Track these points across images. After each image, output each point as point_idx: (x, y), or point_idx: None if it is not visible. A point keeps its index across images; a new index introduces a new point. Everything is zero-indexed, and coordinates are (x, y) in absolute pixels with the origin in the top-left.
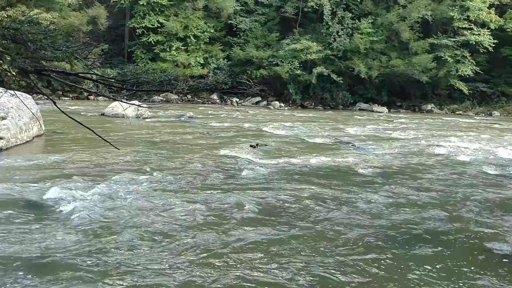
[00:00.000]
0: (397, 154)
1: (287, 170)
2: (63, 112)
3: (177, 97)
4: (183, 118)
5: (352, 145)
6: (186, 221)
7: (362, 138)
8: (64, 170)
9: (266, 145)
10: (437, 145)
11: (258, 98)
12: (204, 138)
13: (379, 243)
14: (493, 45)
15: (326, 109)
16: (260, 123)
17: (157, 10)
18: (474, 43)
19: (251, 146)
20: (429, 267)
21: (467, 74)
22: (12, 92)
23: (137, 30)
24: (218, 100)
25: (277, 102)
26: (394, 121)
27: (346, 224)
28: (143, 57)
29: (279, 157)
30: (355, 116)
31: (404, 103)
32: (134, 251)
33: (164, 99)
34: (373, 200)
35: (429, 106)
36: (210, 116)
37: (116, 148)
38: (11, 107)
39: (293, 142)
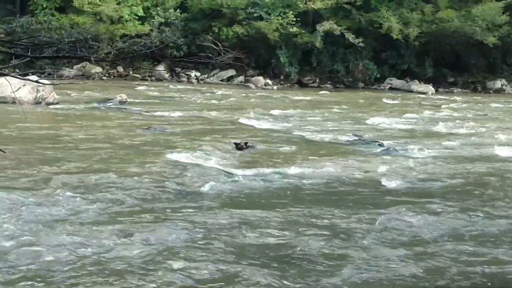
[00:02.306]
0: (448, 160)
1: (278, 187)
2: None
3: (101, 69)
4: (111, 104)
5: (379, 145)
6: (100, 268)
7: (394, 134)
8: None
9: (248, 145)
10: (509, 146)
11: (231, 72)
12: (144, 135)
13: None
14: None
15: (338, 88)
16: (234, 110)
17: None
18: None
19: (236, 145)
20: None
21: None
22: None
23: None
24: (167, 75)
25: (260, 78)
26: (444, 106)
27: (373, 272)
28: (45, 6)
29: (264, 165)
30: (384, 100)
31: (460, 79)
32: None
33: (80, 73)
34: (412, 233)
35: (498, 83)
36: (154, 100)
37: (1, 151)
38: None
39: (287, 141)
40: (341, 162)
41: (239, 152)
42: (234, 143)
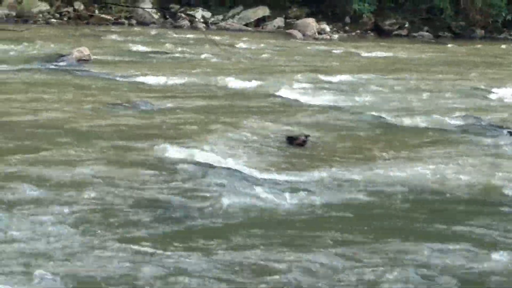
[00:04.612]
0: None
1: (354, 205)
2: None
3: (48, 7)
4: (64, 64)
5: (510, 133)
6: None
7: None
8: None
9: (307, 137)
10: None
11: (263, 10)
12: (119, 116)
13: None
14: None
15: (442, 37)
16: (268, 76)
17: None
18: None
19: (290, 140)
20: None
21: None
22: None
23: None
24: (156, 16)
25: (311, 21)
26: None
27: None
28: None
29: (325, 168)
30: None
31: None
32: None
33: (14, 12)
34: None
35: None
36: (135, 57)
37: None
38: None
39: (357, 128)
40: (447, 161)
41: (290, 149)
42: (288, 138)
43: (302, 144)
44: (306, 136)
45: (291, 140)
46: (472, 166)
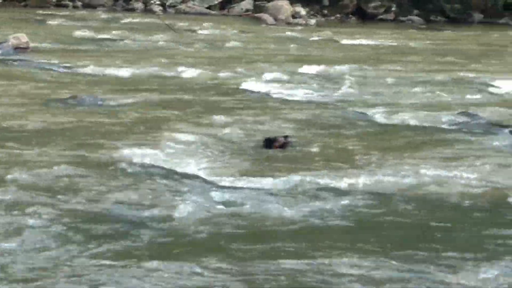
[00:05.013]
0: None
1: (340, 214)
2: None
3: None
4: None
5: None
6: None
7: None
8: None
9: (287, 138)
10: None
11: None
12: (64, 112)
13: None
14: None
15: (434, 22)
16: (234, 66)
17: None
18: None
19: (267, 143)
20: None
21: None
22: None
23: None
24: None
25: (284, 4)
26: None
27: None
28: None
29: (313, 170)
30: None
31: None
32: None
33: None
34: None
35: None
36: (81, 46)
37: None
38: None
39: (339, 126)
40: (442, 164)
41: (267, 153)
42: (265, 140)
43: (282, 146)
44: (286, 137)
45: (269, 143)
46: (471, 170)
